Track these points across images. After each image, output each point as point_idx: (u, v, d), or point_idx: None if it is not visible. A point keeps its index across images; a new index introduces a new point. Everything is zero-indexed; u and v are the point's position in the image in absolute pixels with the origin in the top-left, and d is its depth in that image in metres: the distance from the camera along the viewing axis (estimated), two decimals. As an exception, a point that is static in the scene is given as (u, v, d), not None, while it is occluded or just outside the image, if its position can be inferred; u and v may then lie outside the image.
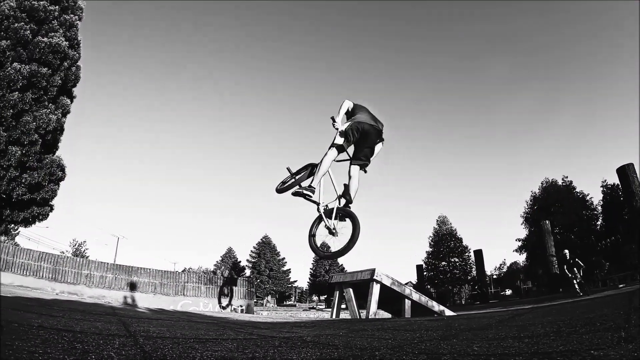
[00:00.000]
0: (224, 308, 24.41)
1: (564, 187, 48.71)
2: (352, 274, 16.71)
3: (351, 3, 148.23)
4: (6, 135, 17.04)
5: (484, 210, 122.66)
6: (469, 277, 57.11)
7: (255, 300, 37.89)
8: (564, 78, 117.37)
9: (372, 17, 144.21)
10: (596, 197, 46.33)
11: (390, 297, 14.97)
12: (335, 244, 4.68)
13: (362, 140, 4.78)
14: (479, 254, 44.51)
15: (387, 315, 15.82)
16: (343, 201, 4.93)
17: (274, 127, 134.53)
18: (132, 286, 22.62)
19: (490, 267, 69.82)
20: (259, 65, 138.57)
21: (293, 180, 5.15)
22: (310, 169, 5.21)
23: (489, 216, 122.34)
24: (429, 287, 57.21)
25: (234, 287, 26.31)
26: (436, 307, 15.31)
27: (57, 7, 19.46)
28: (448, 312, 14.73)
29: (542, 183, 50.94)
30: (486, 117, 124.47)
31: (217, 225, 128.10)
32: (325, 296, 76.37)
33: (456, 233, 60.76)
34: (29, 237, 57.72)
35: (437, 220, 62.97)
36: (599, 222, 45.73)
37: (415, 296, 15.13)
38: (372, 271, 14.60)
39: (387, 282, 14.58)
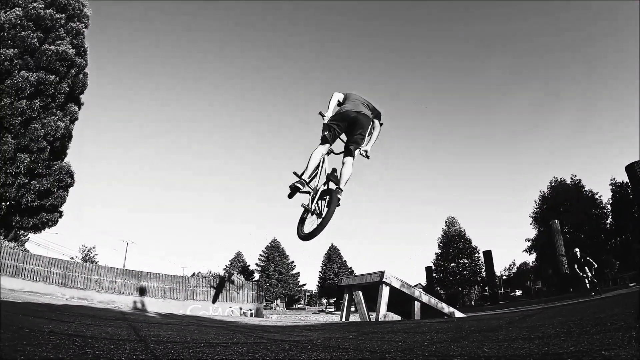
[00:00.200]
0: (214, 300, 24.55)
1: (572, 186, 48.36)
2: (362, 276, 16.65)
3: (351, 3, 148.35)
4: (15, 142, 17.19)
5: (492, 211, 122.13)
6: (479, 279, 56.78)
7: (264, 304, 37.88)
8: (568, 76, 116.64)
9: (373, 18, 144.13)
10: (605, 195, 46.01)
11: (400, 300, 14.90)
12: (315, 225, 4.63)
13: (350, 129, 4.80)
14: (488, 254, 44.28)
15: (396, 317, 15.76)
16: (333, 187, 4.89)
17: (282, 130, 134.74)
18: (142, 291, 22.71)
19: (499, 268, 69.49)
20: (270, 67, 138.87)
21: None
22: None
23: (498, 217, 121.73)
24: (438, 288, 56.96)
25: (233, 290, 26.24)
26: (446, 308, 15.22)
27: (63, 15, 19.63)
28: (458, 314, 14.63)
29: (550, 182, 50.60)
30: (494, 116, 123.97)
31: (225, 229, 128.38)
32: (335, 299, 76.26)
33: (465, 234, 60.48)
34: (39, 243, 58.12)
35: (446, 222, 62.71)
36: (608, 221, 45.34)
37: (425, 298, 15.04)
38: (382, 273, 14.54)
39: (397, 285, 14.51)
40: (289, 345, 3.52)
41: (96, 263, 47.97)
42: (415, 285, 19.63)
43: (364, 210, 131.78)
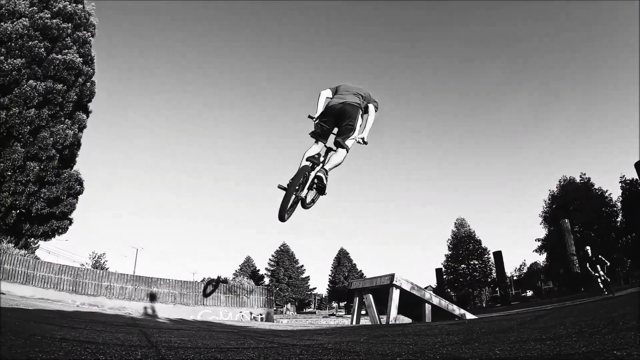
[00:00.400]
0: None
1: (582, 184, 47.99)
2: (371, 279, 16.60)
3: (351, 3, 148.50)
4: (24, 151, 17.36)
5: (502, 212, 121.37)
6: (489, 280, 56.45)
7: (274, 308, 37.87)
8: (572, 74, 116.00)
9: (373, 18, 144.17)
10: (615, 193, 45.61)
11: (410, 302, 14.82)
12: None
13: (338, 121, 4.74)
14: (498, 255, 44.06)
15: (407, 320, 15.68)
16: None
17: (294, 134, 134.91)
18: (152, 297, 22.77)
19: (510, 269, 69.01)
20: (278, 73, 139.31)
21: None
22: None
23: (508, 217, 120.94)
24: (448, 290, 56.69)
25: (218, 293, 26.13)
26: (457, 310, 15.12)
27: (70, 24, 19.84)
28: (469, 316, 14.53)
29: (560, 181, 50.24)
30: (500, 116, 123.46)
31: (235, 234, 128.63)
32: (345, 302, 76.11)
33: (475, 235, 60.18)
34: (49, 250, 58.39)
35: (455, 223, 62.44)
36: (618, 219, 44.93)
37: (436, 300, 14.95)
38: (392, 276, 14.47)
39: (407, 287, 14.44)
40: (300, 349, 3.50)
41: (106, 269, 48.12)
42: (426, 288, 19.52)
43: (373, 213, 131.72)
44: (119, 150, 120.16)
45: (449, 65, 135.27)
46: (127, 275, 23.44)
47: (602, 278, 17.06)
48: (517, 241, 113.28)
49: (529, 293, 59.51)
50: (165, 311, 21.51)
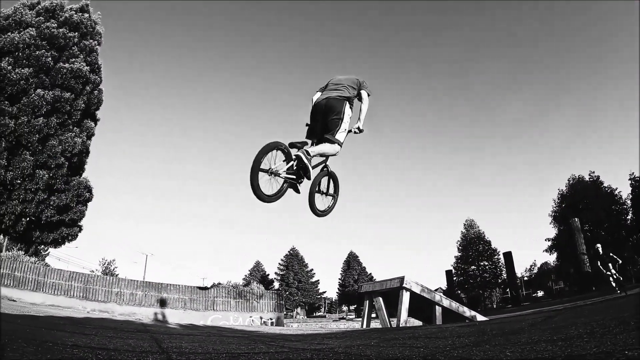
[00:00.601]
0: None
1: (591, 182, 47.64)
2: (381, 282, 16.53)
3: (351, 3, 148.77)
4: (33, 159, 17.50)
5: (511, 212, 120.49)
6: (500, 281, 56.14)
7: (284, 312, 37.88)
8: (576, 72, 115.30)
9: (373, 18, 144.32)
10: (625, 191, 45.23)
11: (421, 305, 14.75)
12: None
13: (325, 117, 4.60)
14: (508, 256, 43.83)
15: (418, 323, 15.60)
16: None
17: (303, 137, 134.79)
18: (162, 302, 22.86)
19: (520, 269, 68.66)
20: (292, 78, 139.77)
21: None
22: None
23: (517, 218, 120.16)
24: (459, 292, 56.43)
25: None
26: (467, 312, 15.02)
27: (76, 33, 20.01)
28: (480, 317, 14.42)
29: (569, 180, 49.91)
30: (506, 116, 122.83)
31: (244, 239, 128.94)
32: (355, 306, 76.06)
33: (484, 236, 59.92)
34: (59, 257, 59.01)
35: (465, 224, 62.20)
36: (629, 217, 44.54)
37: (446, 302, 14.87)
38: (401, 279, 14.42)
39: (417, 290, 14.37)
40: (310, 353, 3.50)
41: (116, 276, 48.57)
42: (436, 290, 19.44)
43: (382, 216, 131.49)
44: (127, 156, 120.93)
45: (456, 64, 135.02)
46: (137, 281, 23.58)
47: (615, 276, 16.78)
48: (527, 241, 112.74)
49: (540, 293, 59.22)
50: (176, 317, 21.58)
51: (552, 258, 53.25)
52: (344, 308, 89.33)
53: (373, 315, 17.69)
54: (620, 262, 16.96)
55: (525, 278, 64.19)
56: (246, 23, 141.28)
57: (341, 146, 4.60)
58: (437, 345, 3.65)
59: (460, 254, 60.05)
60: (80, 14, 20.75)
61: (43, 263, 25.97)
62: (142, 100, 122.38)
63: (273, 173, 4.06)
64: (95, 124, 21.45)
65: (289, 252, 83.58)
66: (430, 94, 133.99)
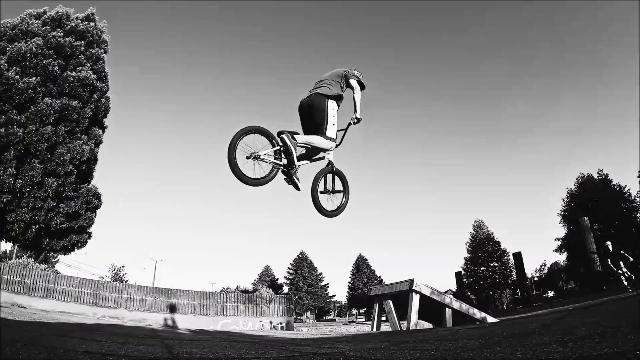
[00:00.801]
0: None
1: (600, 180, 47.24)
2: (391, 285, 16.50)
3: (350, 3, 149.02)
4: (42, 167, 17.64)
5: (520, 212, 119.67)
6: (510, 281, 55.73)
7: (294, 316, 37.82)
8: (587, 69, 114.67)
9: (373, 17, 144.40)
10: (634, 188, 44.81)
11: (431, 307, 14.70)
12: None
13: (309, 117, 4.54)
14: (518, 256, 43.51)
15: (428, 325, 15.54)
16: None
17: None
18: (172, 308, 22.89)
19: (530, 270, 68.13)
20: (300, 81, 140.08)
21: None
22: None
23: (526, 218, 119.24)
24: (469, 294, 56.05)
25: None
26: (477, 314, 14.95)
27: (82, 42, 20.20)
28: (490, 319, 14.35)
29: (577, 179, 49.52)
30: (513, 115, 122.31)
31: (252, 243, 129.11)
32: (365, 309, 75.87)
33: (494, 237, 59.54)
34: (69, 264, 59.39)
35: (474, 226, 61.84)
36: (638, 215, 44.10)
37: (456, 304, 14.80)
38: (411, 282, 14.37)
39: (427, 292, 14.32)
40: (320, 357, 3.50)
41: (126, 282, 48.78)
42: (446, 292, 19.33)
43: (391, 218, 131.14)
44: (136, 162, 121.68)
45: (466, 63, 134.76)
46: (147, 287, 23.62)
47: (627, 275, 16.43)
48: (536, 241, 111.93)
49: (551, 294, 58.63)
50: (186, 322, 21.59)
51: (562, 258, 52.88)
52: (354, 311, 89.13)
53: (383, 318, 17.65)
54: (632, 259, 16.59)
55: (536, 278, 63.61)
56: (254, 27, 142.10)
57: (336, 142, 4.52)
58: (448, 347, 3.63)
59: (469, 255, 59.69)
60: (86, 22, 20.96)
61: (53, 270, 26.16)
62: (150, 105, 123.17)
63: (254, 157, 4.01)
64: (103, 132, 21.62)
65: (298, 256, 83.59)
66: (439, 94, 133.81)
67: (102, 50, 21.62)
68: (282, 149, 4.17)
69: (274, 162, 4.15)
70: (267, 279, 78.40)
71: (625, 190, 45.37)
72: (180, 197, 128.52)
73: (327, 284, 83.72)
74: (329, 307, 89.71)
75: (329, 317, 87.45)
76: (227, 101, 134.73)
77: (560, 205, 50.22)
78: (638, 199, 43.90)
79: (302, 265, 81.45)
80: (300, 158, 4.43)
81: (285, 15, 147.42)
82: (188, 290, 24.22)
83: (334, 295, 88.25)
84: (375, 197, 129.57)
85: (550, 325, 4.38)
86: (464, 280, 55.89)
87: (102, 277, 54.69)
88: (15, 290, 18.31)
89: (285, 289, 78.58)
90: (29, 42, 18.46)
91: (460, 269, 57.49)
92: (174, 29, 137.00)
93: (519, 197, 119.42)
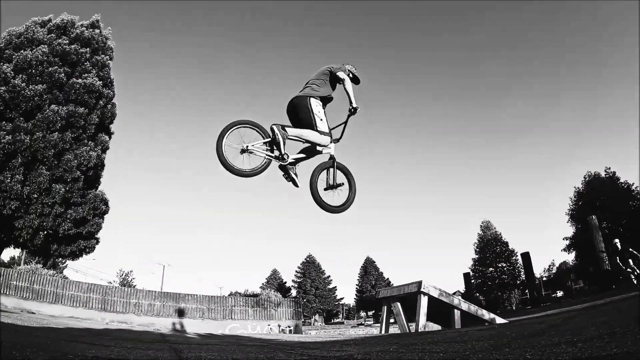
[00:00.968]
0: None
1: (607, 179, 46.90)
2: (399, 287, 16.43)
3: (350, 3, 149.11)
4: (49, 174, 17.76)
5: (528, 212, 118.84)
6: (518, 282, 55.43)
7: (302, 320, 37.78)
8: (591, 68, 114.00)
9: (373, 16, 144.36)
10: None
11: (439, 309, 14.62)
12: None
13: (297, 117, 4.56)
14: (526, 257, 43.25)
15: (437, 327, 15.46)
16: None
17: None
18: (180, 312, 22.95)
19: (539, 270, 67.66)
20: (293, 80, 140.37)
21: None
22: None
23: (534, 218, 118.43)
24: (477, 295, 55.77)
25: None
26: (486, 315, 14.84)
27: (88, 49, 20.34)
28: (499, 320, 14.24)
29: (584, 177, 49.19)
30: (519, 114, 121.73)
31: (260, 247, 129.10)
32: (373, 311, 75.59)
33: (501, 237, 59.25)
34: (77, 269, 59.80)
35: (481, 226, 61.58)
36: (647, 212, 43.74)
37: (465, 306, 14.71)
38: (419, 283, 14.31)
39: (435, 294, 14.25)
40: (330, 360, 3.46)
41: (134, 287, 48.91)
42: (454, 293, 19.25)
43: (398, 220, 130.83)
44: (142, 167, 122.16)
45: (466, 63, 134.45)
46: (155, 291, 23.72)
47: (636, 272, 16.25)
48: (540, 241, 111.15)
49: (560, 293, 58.23)
50: (194, 326, 21.65)
51: (570, 257, 52.53)
52: (362, 314, 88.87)
53: (391, 320, 17.57)
54: None
55: (544, 278, 63.19)
56: (256, 30, 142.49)
57: (332, 136, 4.56)
58: (457, 349, 3.64)
59: (477, 256, 59.44)
60: (91, 29, 21.11)
61: (61, 275, 26.30)
62: (156, 110, 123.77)
63: (244, 150, 4.04)
64: (110, 138, 21.75)
65: (305, 259, 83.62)
66: (439, 94, 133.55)
67: (107, 56, 21.76)
68: (272, 139, 4.21)
69: (265, 154, 4.19)
70: (275, 282, 78.46)
71: (633, 188, 45.04)
72: (187, 201, 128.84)
73: (335, 286, 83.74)
74: (338, 309, 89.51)
75: (337, 320, 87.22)
76: (233, 105, 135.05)
77: (568, 205, 49.91)
78: (646, 196, 43.58)
79: (310, 268, 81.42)
80: (299, 154, 4.53)
81: (285, 15, 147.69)
82: (196, 295, 24.29)
83: (342, 298, 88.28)
84: (383, 198, 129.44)
85: (560, 326, 4.37)
86: (472, 281, 55.60)
87: (110, 282, 54.90)
88: (24, 296, 18.45)
89: (293, 292, 78.64)
90: (34, 50, 18.60)
91: (469, 270, 57.22)
92: (179, 32, 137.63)
93: (519, 197, 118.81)
